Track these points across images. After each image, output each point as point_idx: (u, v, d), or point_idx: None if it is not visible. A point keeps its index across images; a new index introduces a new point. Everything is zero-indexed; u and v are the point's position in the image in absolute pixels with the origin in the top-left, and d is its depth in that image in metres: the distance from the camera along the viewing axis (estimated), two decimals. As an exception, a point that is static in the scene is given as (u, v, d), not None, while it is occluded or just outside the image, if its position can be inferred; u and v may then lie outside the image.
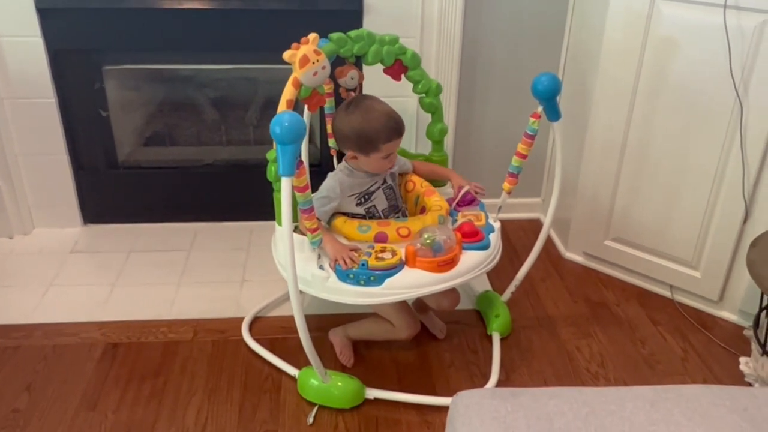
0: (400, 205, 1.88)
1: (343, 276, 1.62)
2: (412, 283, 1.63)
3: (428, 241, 1.64)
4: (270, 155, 1.65)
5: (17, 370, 1.86)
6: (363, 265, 1.61)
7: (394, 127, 1.70)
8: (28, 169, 2.42)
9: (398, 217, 1.85)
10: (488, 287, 2.21)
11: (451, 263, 1.66)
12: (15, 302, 2.13)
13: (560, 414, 1.16)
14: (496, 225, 1.84)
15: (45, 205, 2.49)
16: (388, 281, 1.62)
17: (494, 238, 1.79)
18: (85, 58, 2.32)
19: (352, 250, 1.65)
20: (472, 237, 1.74)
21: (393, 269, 1.62)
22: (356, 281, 1.62)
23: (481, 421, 1.15)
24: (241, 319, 2.05)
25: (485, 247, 1.75)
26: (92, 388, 1.81)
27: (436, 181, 2.01)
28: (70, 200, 2.50)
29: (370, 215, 1.81)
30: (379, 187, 1.81)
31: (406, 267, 1.65)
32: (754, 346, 1.78)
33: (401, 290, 1.63)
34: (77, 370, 1.86)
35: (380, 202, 1.82)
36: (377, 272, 1.61)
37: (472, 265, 1.70)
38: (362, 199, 1.79)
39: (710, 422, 1.15)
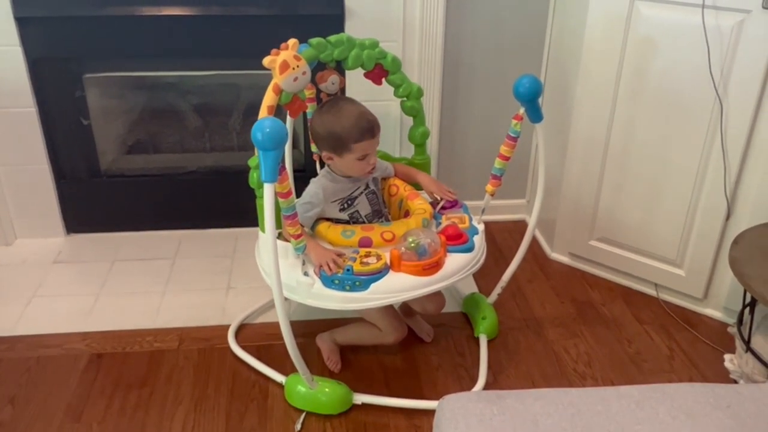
0: (383, 210, 1.88)
1: (329, 282, 1.62)
2: (398, 287, 1.63)
3: (413, 244, 1.64)
4: (252, 162, 1.65)
5: (0, 383, 1.83)
6: (348, 270, 1.61)
7: (366, 127, 1.68)
8: (9, 179, 2.40)
9: (382, 221, 1.84)
10: (474, 289, 2.21)
11: (436, 266, 1.66)
12: (-3, 314, 2.10)
13: (546, 415, 1.16)
14: (480, 227, 1.84)
15: (27, 216, 2.47)
16: (373, 286, 1.61)
17: (478, 240, 1.79)
18: (65, 67, 2.30)
19: (336, 255, 1.64)
20: (457, 239, 1.74)
21: (378, 274, 1.62)
22: (341, 287, 1.61)
23: (468, 424, 1.15)
24: (227, 327, 2.04)
25: (470, 250, 1.75)
26: (77, 399, 1.79)
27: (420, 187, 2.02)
28: (52, 210, 2.47)
29: (353, 220, 1.81)
30: (361, 193, 1.81)
31: (391, 271, 1.64)
32: (738, 343, 1.79)
33: (387, 295, 1.63)
34: (61, 382, 1.84)
35: (363, 207, 1.81)
36: (362, 277, 1.61)
37: (457, 267, 1.70)
38: (345, 205, 1.79)
39: (695, 420, 1.16)
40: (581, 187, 2.27)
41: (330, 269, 1.60)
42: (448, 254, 1.71)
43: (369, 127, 1.69)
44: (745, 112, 1.85)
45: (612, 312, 2.19)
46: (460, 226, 1.80)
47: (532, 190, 2.67)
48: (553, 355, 1.99)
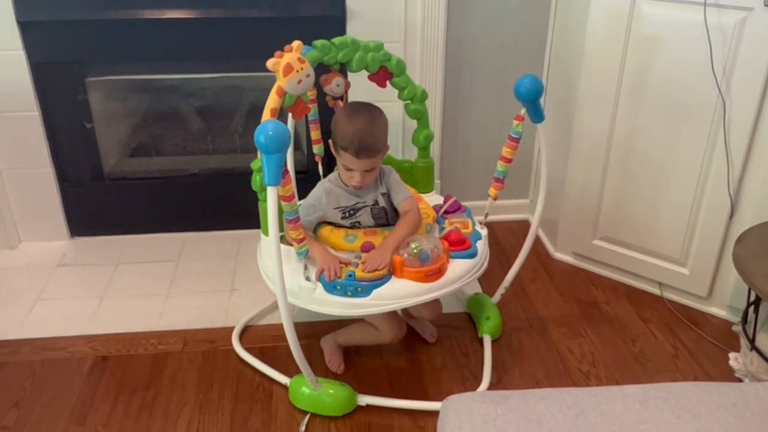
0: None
1: (330, 287, 1.61)
2: (400, 293, 1.62)
3: (415, 250, 1.63)
4: (254, 165, 1.64)
5: (5, 387, 1.84)
6: (350, 276, 1.60)
7: (356, 145, 1.64)
8: (13, 183, 2.40)
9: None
10: (478, 290, 2.21)
11: (438, 273, 1.65)
12: (2, 318, 2.10)
13: (550, 415, 1.16)
14: (483, 232, 1.83)
15: (31, 219, 2.47)
16: (375, 292, 1.61)
17: (481, 246, 1.78)
18: (68, 70, 2.31)
19: (342, 263, 1.64)
20: (460, 245, 1.74)
21: (380, 280, 1.61)
22: (343, 292, 1.61)
23: (472, 425, 1.15)
24: (230, 329, 2.04)
25: (472, 255, 1.74)
26: (82, 402, 1.79)
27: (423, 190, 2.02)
28: (56, 213, 2.48)
29: (355, 228, 1.79)
30: (366, 207, 1.78)
31: (393, 277, 1.64)
32: (743, 342, 1.79)
33: (389, 301, 1.62)
34: (66, 385, 1.85)
35: (366, 219, 1.80)
36: (364, 283, 1.60)
37: (460, 273, 1.69)
38: (347, 213, 1.78)
39: (699, 419, 1.15)
40: (584, 187, 2.27)
41: (330, 275, 1.60)
42: (450, 260, 1.70)
43: (357, 146, 1.64)
44: (747, 109, 1.84)
45: (616, 311, 2.18)
46: (463, 231, 1.79)
47: (534, 190, 2.67)
48: (557, 355, 1.99)
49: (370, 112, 1.71)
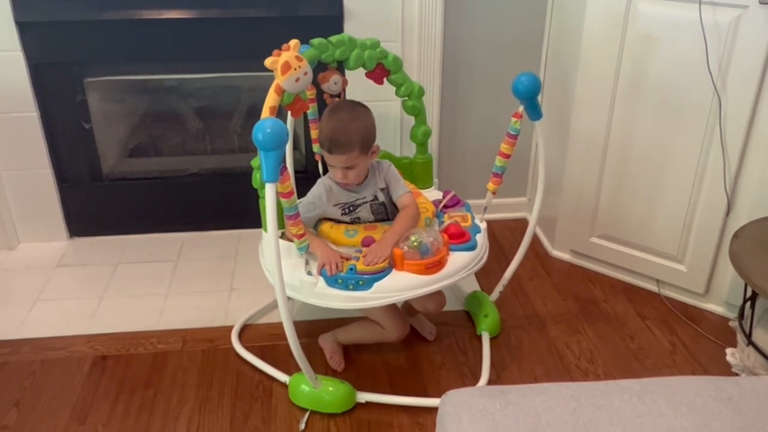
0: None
1: (332, 281, 1.62)
2: (401, 286, 1.64)
3: (415, 243, 1.65)
4: (255, 162, 1.66)
5: (5, 387, 1.84)
6: (351, 269, 1.61)
7: (329, 143, 1.67)
8: (11, 184, 2.41)
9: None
10: (476, 287, 2.22)
11: (438, 265, 1.67)
12: (2, 318, 2.11)
13: (548, 410, 1.16)
14: (483, 225, 1.85)
15: (30, 220, 2.48)
16: (376, 285, 1.62)
17: (481, 239, 1.80)
18: (67, 71, 2.31)
19: (343, 258, 1.64)
20: (459, 238, 1.75)
21: (381, 273, 1.63)
22: (345, 286, 1.62)
23: (471, 419, 1.15)
24: (230, 328, 2.04)
25: (472, 248, 1.75)
26: (82, 401, 1.80)
27: (422, 186, 2.02)
28: (55, 214, 2.48)
29: (355, 223, 1.80)
30: (366, 203, 1.80)
31: (394, 270, 1.65)
32: (740, 337, 1.80)
33: (390, 294, 1.63)
34: (66, 385, 1.85)
35: (365, 215, 1.81)
36: (365, 276, 1.61)
37: (460, 266, 1.71)
38: (347, 210, 1.79)
39: (696, 413, 1.16)
40: (582, 185, 2.28)
41: (331, 269, 1.61)
42: (450, 253, 1.72)
43: (329, 143, 1.68)
44: (743, 106, 1.85)
45: (614, 308, 2.19)
46: (463, 224, 1.81)
47: (532, 189, 2.68)
48: (556, 352, 1.99)
49: (350, 110, 1.73)
